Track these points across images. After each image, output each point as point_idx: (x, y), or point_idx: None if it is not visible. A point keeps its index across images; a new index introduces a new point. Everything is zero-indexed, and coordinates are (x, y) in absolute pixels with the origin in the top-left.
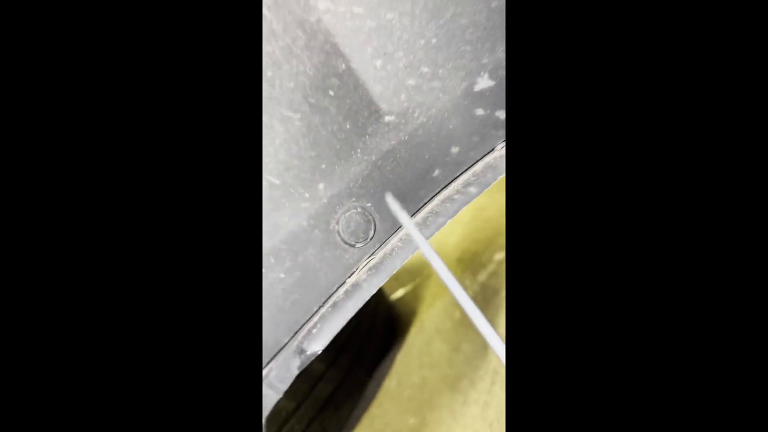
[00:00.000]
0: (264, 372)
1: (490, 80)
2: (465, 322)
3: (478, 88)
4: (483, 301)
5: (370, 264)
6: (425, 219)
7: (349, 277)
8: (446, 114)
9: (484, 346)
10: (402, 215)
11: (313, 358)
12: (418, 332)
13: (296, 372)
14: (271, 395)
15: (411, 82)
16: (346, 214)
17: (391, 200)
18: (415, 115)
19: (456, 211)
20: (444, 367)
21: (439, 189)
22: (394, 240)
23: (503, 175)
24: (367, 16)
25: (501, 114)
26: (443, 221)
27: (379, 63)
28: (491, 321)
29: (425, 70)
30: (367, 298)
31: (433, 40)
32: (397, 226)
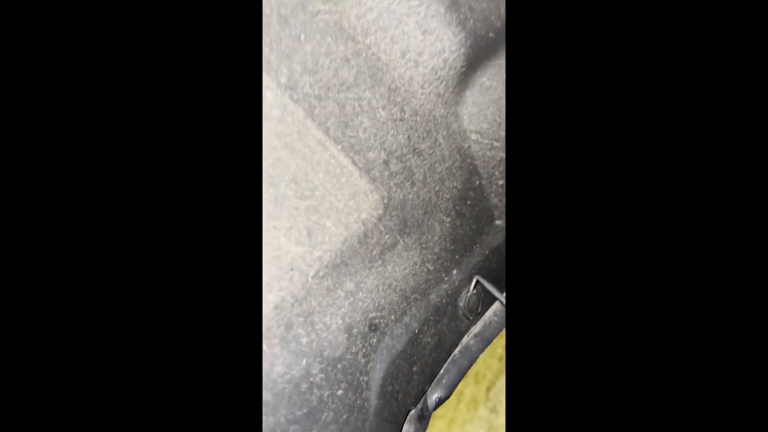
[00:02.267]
0: (413, 411)
1: None
2: None
3: None
4: None
5: (475, 331)
6: None
7: (463, 339)
8: None
9: None
10: (492, 287)
11: (442, 401)
12: None
13: (431, 412)
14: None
15: None
16: (467, 295)
17: (482, 279)
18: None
19: None
20: None
21: None
22: (489, 313)
23: None
24: (500, 149)
25: None
26: None
27: (500, 182)
28: None
29: None
30: (476, 356)
31: None
32: (492, 304)
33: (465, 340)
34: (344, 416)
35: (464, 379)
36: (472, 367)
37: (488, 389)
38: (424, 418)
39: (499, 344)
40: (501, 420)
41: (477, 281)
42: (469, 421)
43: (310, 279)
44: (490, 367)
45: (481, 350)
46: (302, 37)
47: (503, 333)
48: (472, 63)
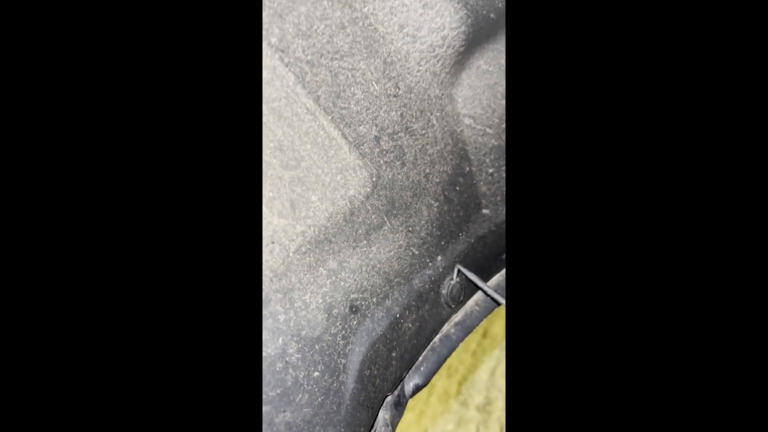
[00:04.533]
0: (389, 398)
1: None
2: None
3: None
4: None
5: (456, 320)
6: (494, 290)
7: (443, 327)
8: None
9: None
10: (473, 276)
11: (420, 389)
12: None
13: (408, 398)
14: (384, 414)
15: (506, 188)
16: (451, 283)
17: (463, 268)
18: (503, 212)
19: None
20: None
21: (503, 268)
22: (471, 303)
23: None
24: (493, 136)
25: None
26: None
27: (490, 171)
28: None
29: None
30: (456, 345)
31: None
32: (474, 293)
33: (445, 328)
34: (319, 399)
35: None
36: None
37: (460, 383)
38: (400, 405)
39: (473, 339)
40: (471, 413)
41: (458, 270)
42: (440, 414)
43: (291, 254)
44: (463, 361)
45: (461, 339)
46: None
47: (477, 329)
48: (471, 43)
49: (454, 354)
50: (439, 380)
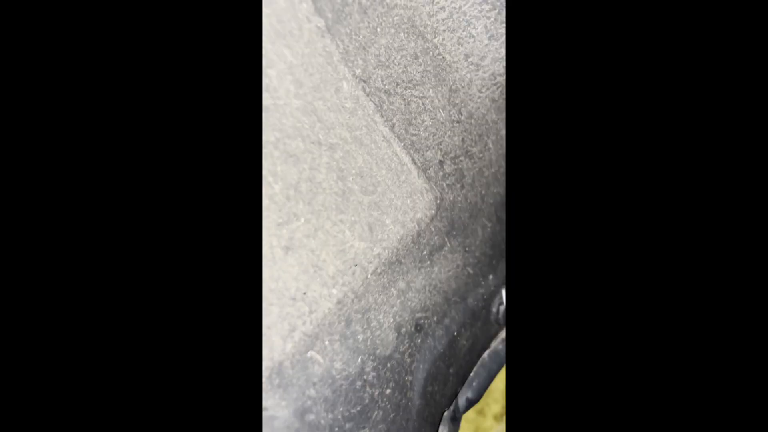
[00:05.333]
0: (446, 413)
1: None
2: None
3: None
4: None
5: (503, 336)
6: None
7: (492, 343)
8: None
9: None
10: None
11: (473, 404)
12: None
13: (462, 413)
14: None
15: None
16: (502, 305)
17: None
18: None
19: None
20: None
21: None
22: None
23: None
24: None
25: None
26: None
27: None
28: None
29: None
30: (504, 361)
31: None
32: None
33: (494, 344)
34: (392, 415)
35: None
36: None
37: None
38: (456, 420)
39: None
40: (488, 422)
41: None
42: None
43: (369, 275)
44: None
45: None
46: (378, 30)
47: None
48: None
49: None
50: None
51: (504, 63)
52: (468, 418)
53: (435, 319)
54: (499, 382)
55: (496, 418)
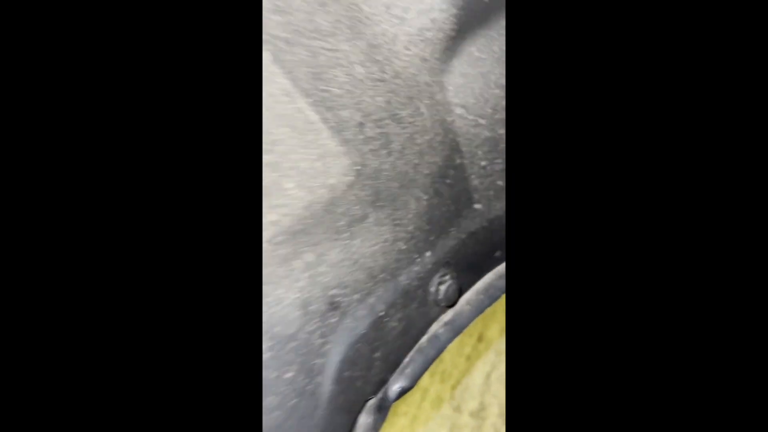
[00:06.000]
0: (372, 401)
1: None
2: None
3: None
4: None
5: (445, 319)
6: (486, 288)
7: (432, 327)
8: None
9: None
10: None
11: (405, 392)
12: None
13: (392, 402)
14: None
15: (500, 182)
16: (445, 281)
17: None
18: (497, 207)
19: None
20: None
21: (497, 265)
22: (462, 301)
23: None
24: (486, 127)
25: None
26: (498, 294)
27: (483, 163)
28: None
29: None
30: (444, 346)
31: None
32: (466, 294)
33: (434, 328)
34: (293, 401)
35: (430, 376)
36: (439, 366)
37: (453, 388)
38: (383, 409)
39: (468, 342)
40: (465, 419)
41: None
42: (432, 419)
43: (263, 244)
44: (457, 365)
45: (450, 340)
46: None
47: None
48: (462, 28)
49: (447, 358)
50: (433, 385)
51: (431, 15)
52: (444, 414)
53: (356, 297)
54: (477, 377)
55: (472, 414)
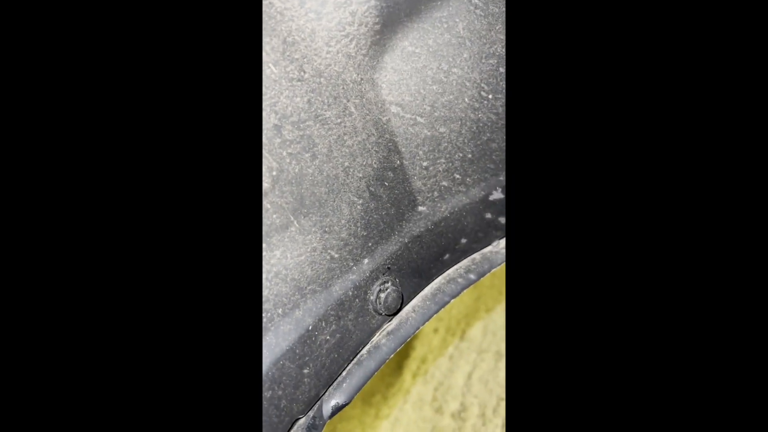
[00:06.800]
0: (302, 420)
1: (501, 194)
2: None
3: (492, 198)
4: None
5: (388, 329)
6: (434, 294)
7: (373, 338)
8: (464, 213)
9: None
10: None
11: (340, 408)
12: None
13: (327, 420)
14: None
15: (444, 183)
16: (385, 289)
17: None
18: (442, 209)
19: (458, 293)
20: None
21: (446, 269)
22: (407, 309)
23: (497, 268)
24: (425, 126)
25: (502, 220)
26: (447, 300)
27: (424, 164)
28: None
29: (457, 176)
30: (386, 357)
31: (469, 155)
32: (412, 301)
33: (375, 338)
34: None
35: (412, 378)
36: (421, 367)
37: (435, 389)
38: (315, 428)
39: (451, 342)
40: (446, 420)
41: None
42: (414, 422)
43: None
44: (440, 366)
45: (393, 350)
46: None
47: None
48: (388, 21)
49: (429, 359)
50: (415, 387)
51: (350, 9)
52: (426, 417)
53: (279, 311)
54: (459, 378)
55: (453, 416)
